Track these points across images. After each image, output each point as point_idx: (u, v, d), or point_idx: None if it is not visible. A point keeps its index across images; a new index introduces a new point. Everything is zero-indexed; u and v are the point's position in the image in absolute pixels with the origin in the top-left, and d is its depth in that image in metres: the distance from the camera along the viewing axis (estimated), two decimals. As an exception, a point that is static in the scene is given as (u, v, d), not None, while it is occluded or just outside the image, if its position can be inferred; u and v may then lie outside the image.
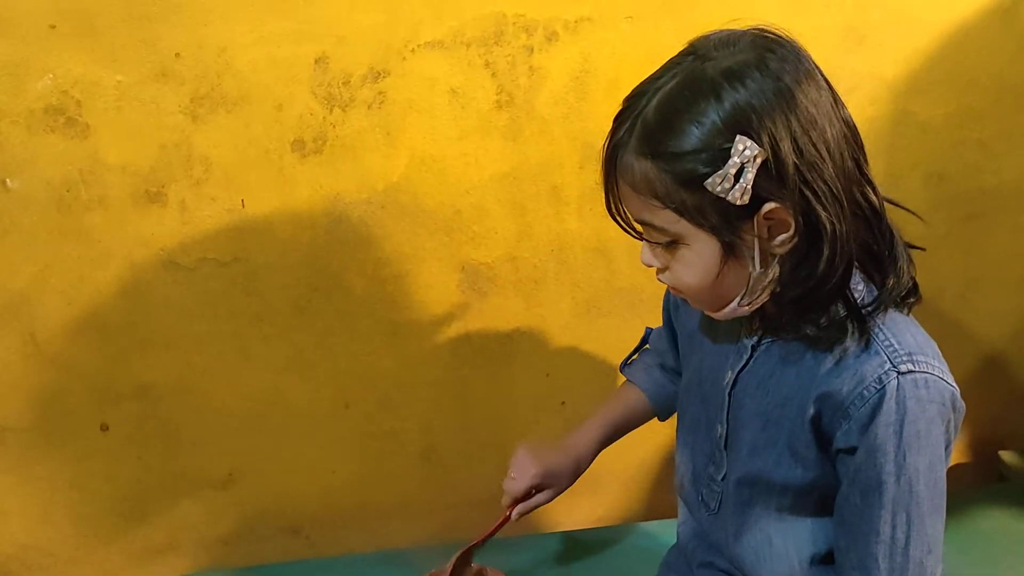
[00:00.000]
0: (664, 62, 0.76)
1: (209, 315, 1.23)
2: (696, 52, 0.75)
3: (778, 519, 0.86)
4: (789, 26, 1.20)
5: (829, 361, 0.78)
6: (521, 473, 1.06)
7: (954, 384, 0.78)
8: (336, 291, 1.25)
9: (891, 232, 0.79)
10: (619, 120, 0.76)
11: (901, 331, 0.78)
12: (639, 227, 0.80)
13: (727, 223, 0.73)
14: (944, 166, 1.31)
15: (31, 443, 1.25)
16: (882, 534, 0.78)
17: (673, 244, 0.77)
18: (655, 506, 1.47)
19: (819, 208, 0.72)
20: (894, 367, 0.76)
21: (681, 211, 0.74)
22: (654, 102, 0.74)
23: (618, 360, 1.14)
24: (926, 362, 0.77)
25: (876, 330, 0.78)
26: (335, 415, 1.32)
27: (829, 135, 0.72)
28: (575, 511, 1.43)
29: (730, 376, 0.87)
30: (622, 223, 0.80)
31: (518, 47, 1.18)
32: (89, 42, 1.09)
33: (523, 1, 1.16)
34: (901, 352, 0.76)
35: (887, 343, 0.77)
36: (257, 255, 1.21)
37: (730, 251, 0.75)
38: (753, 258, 0.75)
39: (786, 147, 0.70)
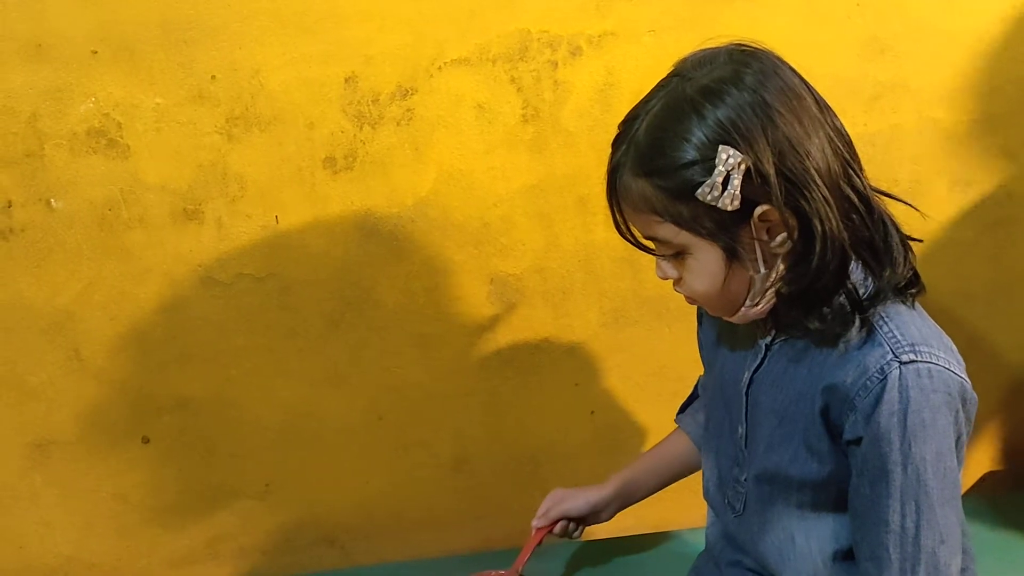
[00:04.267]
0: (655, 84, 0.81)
1: (245, 329, 1.26)
2: (679, 73, 0.80)
3: (800, 517, 0.87)
4: (812, 37, 1.23)
5: (835, 354, 0.81)
6: (561, 501, 1.13)
7: (962, 375, 0.79)
8: (368, 305, 1.28)
9: (885, 224, 0.81)
10: (616, 144, 0.81)
11: (905, 323, 0.80)
12: (650, 243, 0.83)
13: (724, 229, 0.77)
14: (970, 173, 1.31)
15: (75, 456, 1.28)
16: (891, 524, 0.79)
17: (680, 255, 0.81)
18: (686, 514, 1.47)
19: (806, 206, 0.75)
20: (896, 357, 0.77)
21: (680, 223, 0.78)
22: (644, 125, 0.78)
23: (646, 369, 1.16)
24: (930, 352, 0.78)
25: (879, 322, 0.79)
26: (368, 427, 1.34)
27: (809, 140, 0.76)
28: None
29: (746, 376, 0.90)
30: (632, 241, 0.84)
31: (543, 62, 1.20)
32: (129, 67, 1.13)
33: (547, 17, 1.19)
34: (904, 342, 0.78)
35: (890, 334, 0.79)
36: (291, 270, 1.25)
37: (732, 255, 0.79)
38: (755, 260, 0.79)
39: (766, 154, 0.74)
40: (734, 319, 0.85)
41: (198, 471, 1.33)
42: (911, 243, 0.83)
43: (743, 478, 0.92)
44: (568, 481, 1.39)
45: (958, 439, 0.80)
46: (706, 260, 0.80)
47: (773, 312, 0.84)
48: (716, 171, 0.74)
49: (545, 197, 1.26)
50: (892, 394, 0.77)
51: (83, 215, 1.18)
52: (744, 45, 0.80)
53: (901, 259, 0.81)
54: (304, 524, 1.38)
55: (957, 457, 0.80)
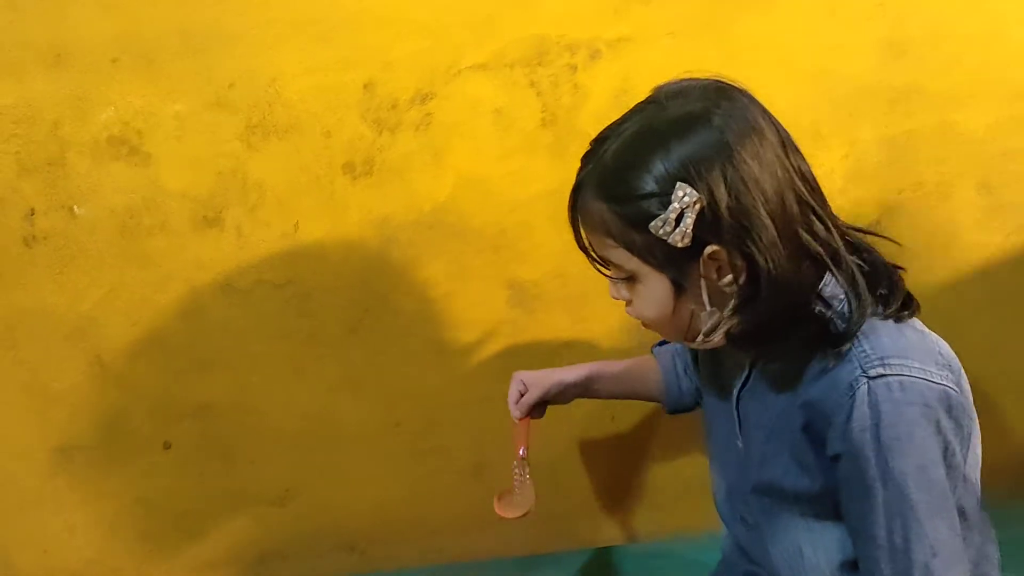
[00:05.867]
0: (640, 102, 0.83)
1: (264, 336, 1.27)
2: (654, 100, 0.82)
3: (806, 528, 0.87)
4: (829, 40, 1.22)
5: (812, 371, 0.81)
6: (534, 383, 1.10)
7: (945, 382, 0.78)
8: (386, 311, 1.28)
9: (852, 271, 0.80)
10: (584, 160, 0.83)
11: (879, 336, 0.79)
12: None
13: (673, 263, 0.79)
14: (992, 176, 1.29)
15: (98, 461, 1.29)
16: (879, 539, 0.79)
17: (631, 280, 0.83)
18: (703, 519, 1.46)
19: (754, 251, 0.76)
20: (864, 372, 0.77)
21: (632, 250, 0.80)
22: (612, 148, 0.80)
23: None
24: (901, 364, 0.77)
25: (856, 340, 0.79)
26: (386, 432, 1.34)
27: (768, 184, 0.76)
28: (628, 524, 1.43)
29: (735, 393, 0.91)
30: (590, 258, 0.86)
31: (561, 66, 1.20)
32: (149, 74, 1.14)
33: (565, 21, 1.18)
34: (873, 356, 0.78)
35: (860, 349, 0.79)
36: (310, 277, 1.25)
37: (680, 289, 0.81)
38: (701, 296, 0.80)
39: (722, 195, 0.75)
40: (692, 346, 0.86)
41: (218, 477, 1.33)
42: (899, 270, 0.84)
43: (748, 490, 0.92)
44: (589, 489, 1.40)
45: (946, 447, 0.78)
46: (654, 289, 0.82)
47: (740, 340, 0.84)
48: (671, 207, 0.76)
49: (564, 202, 1.22)
50: (862, 410, 0.77)
51: (105, 222, 1.19)
52: (721, 82, 0.81)
53: (861, 306, 0.80)
54: (323, 530, 1.38)
55: (951, 464, 0.79)
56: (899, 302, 0.82)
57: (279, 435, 1.32)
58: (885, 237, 0.85)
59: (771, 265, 0.76)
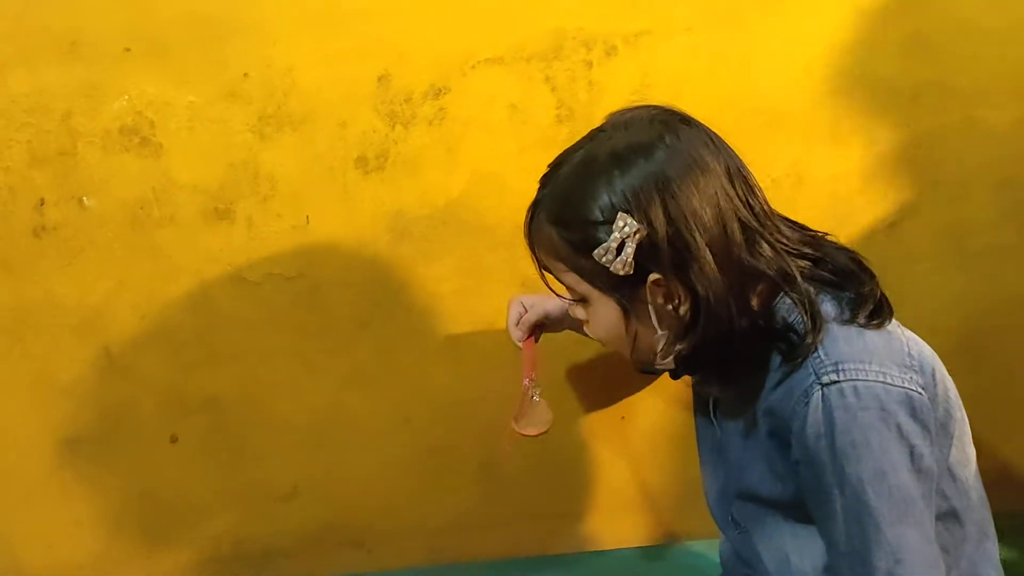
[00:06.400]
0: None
1: (274, 329, 1.26)
2: (604, 128, 0.85)
3: (791, 533, 0.87)
4: (850, 35, 1.21)
5: (772, 379, 0.83)
6: (534, 304, 1.11)
7: (908, 385, 0.78)
8: (397, 306, 1.27)
9: (809, 293, 0.81)
10: (541, 183, 0.86)
11: (836, 342, 0.79)
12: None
13: (619, 289, 0.82)
14: (1014, 173, 1.27)
15: (105, 453, 1.28)
16: (840, 545, 0.79)
17: (584, 301, 0.86)
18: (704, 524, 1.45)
19: (693, 279, 0.79)
20: (817, 379, 0.78)
21: (581, 274, 0.83)
22: (563, 172, 0.83)
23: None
24: (856, 368, 0.77)
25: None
26: (395, 429, 1.33)
27: (708, 215, 0.78)
28: (631, 529, 1.42)
29: (711, 401, 0.95)
30: (543, 278, 0.89)
31: (577, 61, 1.19)
32: (162, 64, 1.13)
33: (582, 16, 1.17)
34: (827, 363, 0.78)
35: (816, 356, 0.79)
36: (321, 271, 1.24)
37: (629, 313, 0.83)
38: (649, 321, 0.83)
39: (661, 226, 0.78)
40: (649, 368, 0.88)
41: (226, 471, 1.32)
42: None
43: (734, 496, 0.93)
44: (597, 488, 1.38)
45: (912, 451, 0.77)
46: (604, 312, 0.85)
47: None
48: (612, 236, 0.78)
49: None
50: (816, 416, 0.77)
51: (115, 214, 1.18)
52: (670, 113, 0.83)
53: (820, 317, 0.80)
54: (331, 526, 1.37)
55: (920, 468, 0.77)
56: (868, 308, 0.82)
57: (287, 430, 1.31)
58: (851, 252, 0.87)
59: (710, 293, 0.79)
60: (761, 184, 0.86)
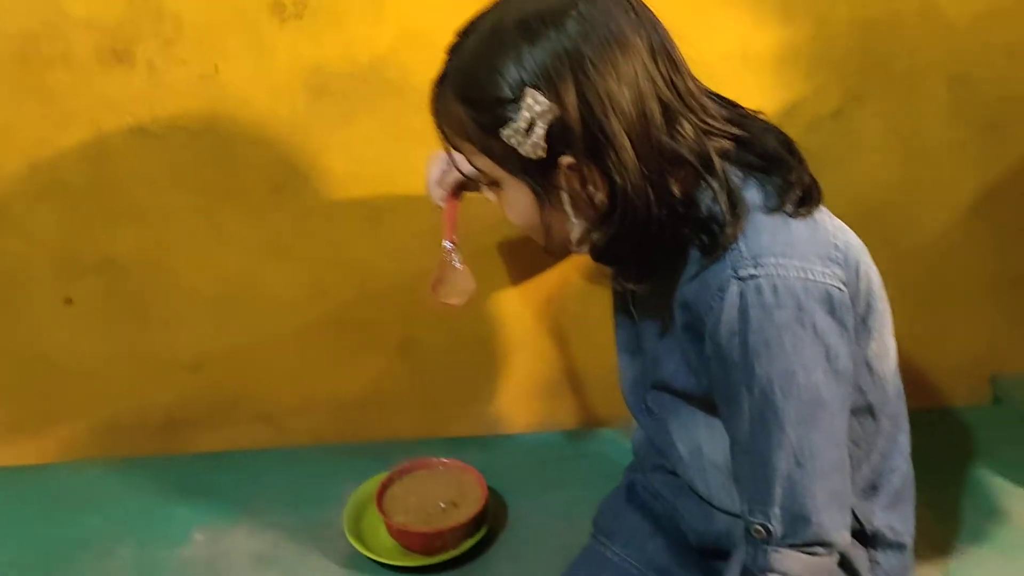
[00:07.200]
0: None
1: (178, 188, 1.17)
2: None
3: (706, 425, 0.86)
4: None
5: (689, 271, 0.79)
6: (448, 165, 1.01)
7: (828, 280, 0.75)
8: (315, 170, 1.19)
9: (727, 175, 0.77)
10: (447, 55, 0.79)
11: (759, 233, 0.76)
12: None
13: (531, 172, 0.77)
14: (967, 70, 1.22)
15: (-7, 312, 1.20)
16: (744, 444, 0.77)
17: (495, 185, 0.81)
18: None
19: (609, 166, 0.74)
20: (735, 273, 0.74)
21: (491, 156, 0.78)
22: (470, 43, 0.77)
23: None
24: (776, 263, 0.74)
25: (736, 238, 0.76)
26: (310, 301, 1.27)
27: (626, 97, 0.72)
28: (551, 413, 1.40)
29: (628, 292, 0.91)
30: (452, 160, 0.86)
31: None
32: None
33: None
34: (746, 255, 0.75)
35: (735, 248, 0.75)
36: (231, 126, 1.15)
37: (542, 199, 0.78)
38: (565, 207, 0.77)
39: (573, 106, 0.72)
40: (563, 256, 0.86)
41: (127, 338, 1.26)
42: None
43: (649, 386, 0.92)
44: (516, 370, 1.35)
45: (827, 350, 0.74)
46: (517, 197, 0.79)
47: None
48: (520, 115, 0.73)
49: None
50: (731, 314, 0.75)
51: (-1, 48, 1.07)
52: None
53: (743, 205, 0.76)
54: (239, 400, 1.32)
55: (836, 369, 0.75)
56: (796, 195, 0.77)
57: (194, 297, 1.24)
58: (781, 133, 0.82)
59: (627, 181, 0.74)
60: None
